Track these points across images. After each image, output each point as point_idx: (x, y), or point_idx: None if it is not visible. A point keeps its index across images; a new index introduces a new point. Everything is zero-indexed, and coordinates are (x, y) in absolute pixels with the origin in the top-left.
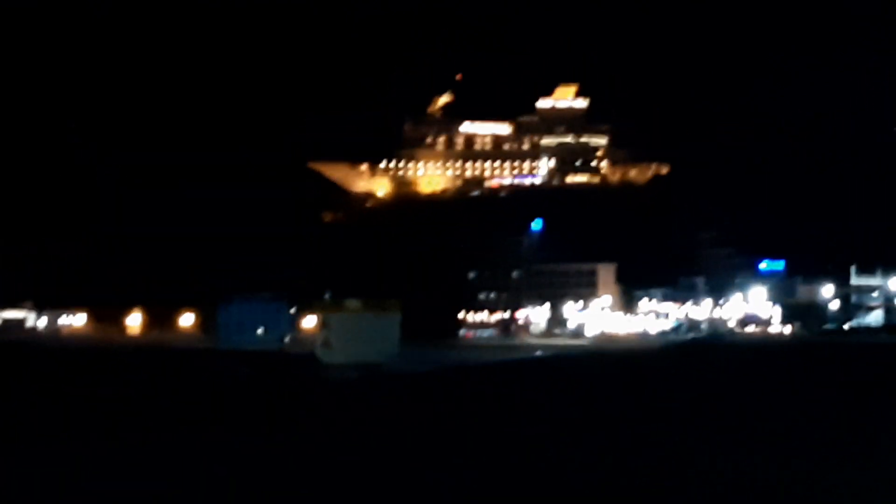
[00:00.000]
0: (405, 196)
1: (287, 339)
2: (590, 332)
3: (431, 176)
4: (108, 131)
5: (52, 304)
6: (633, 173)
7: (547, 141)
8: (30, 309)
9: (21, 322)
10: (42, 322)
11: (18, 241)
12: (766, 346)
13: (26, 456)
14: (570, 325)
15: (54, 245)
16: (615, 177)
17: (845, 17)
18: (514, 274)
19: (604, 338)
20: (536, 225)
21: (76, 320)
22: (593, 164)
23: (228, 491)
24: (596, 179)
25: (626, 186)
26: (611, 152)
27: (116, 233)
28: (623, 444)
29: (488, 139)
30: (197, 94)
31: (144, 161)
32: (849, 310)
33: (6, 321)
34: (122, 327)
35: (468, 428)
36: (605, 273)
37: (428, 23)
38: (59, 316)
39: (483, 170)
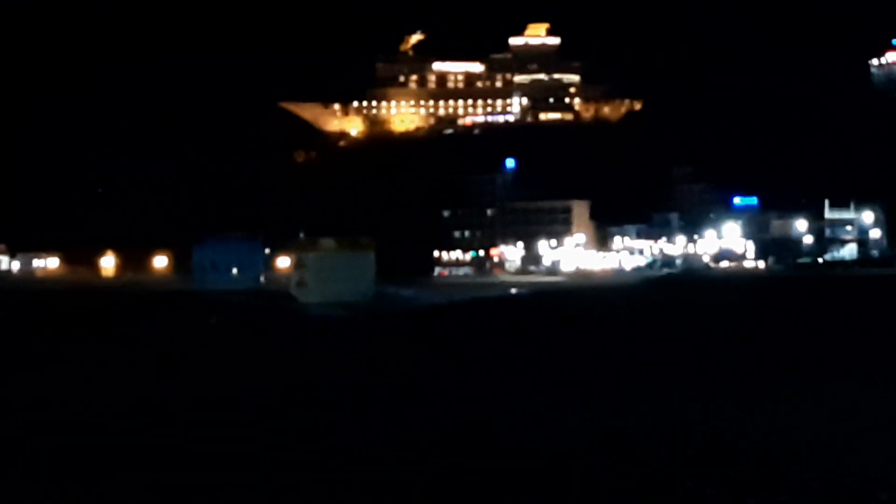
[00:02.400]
0: (378, 135)
1: (262, 279)
2: (565, 268)
3: (404, 115)
4: (83, 71)
5: (25, 247)
6: (607, 110)
7: (519, 78)
8: (2, 252)
9: None
10: (15, 265)
11: None
12: (741, 281)
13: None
14: (545, 263)
15: (27, 186)
16: (588, 114)
17: None
18: (489, 212)
19: (579, 274)
20: (510, 163)
21: (50, 263)
22: (566, 101)
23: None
24: (569, 116)
25: (600, 123)
26: (583, 89)
27: (89, 174)
28: (605, 382)
29: (461, 77)
30: (169, 35)
31: (117, 101)
32: (823, 244)
33: None
34: (96, 269)
35: (449, 367)
36: (580, 210)
37: None
38: (32, 259)
39: (456, 108)
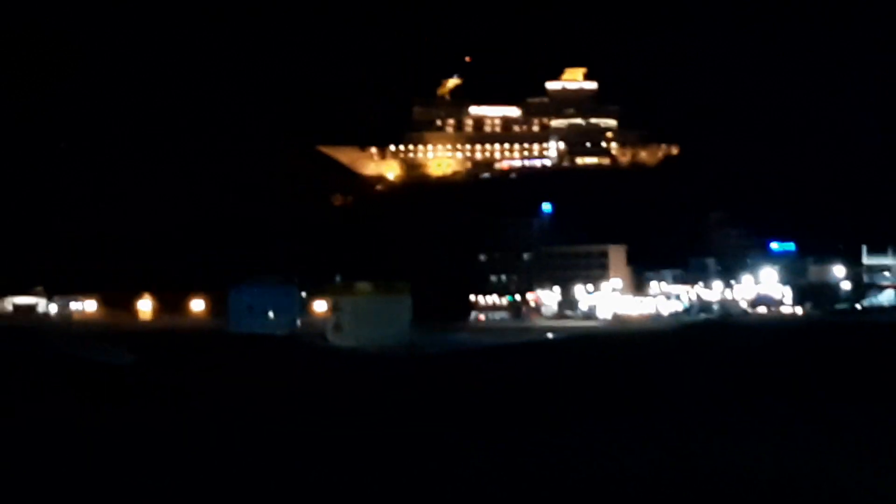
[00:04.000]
0: (415, 179)
1: (298, 323)
2: (601, 313)
3: (441, 159)
4: (119, 114)
5: (62, 289)
6: (644, 154)
7: (556, 123)
8: (40, 294)
9: (32, 307)
10: (53, 308)
11: (28, 226)
12: (779, 327)
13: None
14: (582, 307)
15: (65, 227)
16: (625, 158)
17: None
18: (525, 256)
19: (616, 319)
20: (547, 207)
21: (87, 306)
22: (603, 145)
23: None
24: (606, 161)
25: (637, 168)
26: (620, 134)
27: (127, 217)
28: (638, 425)
29: (497, 121)
30: (210, 78)
31: (157, 146)
32: (860, 289)
33: (17, 307)
34: (133, 312)
35: (484, 410)
36: (616, 254)
37: (437, 4)
38: (69, 301)
39: (493, 152)
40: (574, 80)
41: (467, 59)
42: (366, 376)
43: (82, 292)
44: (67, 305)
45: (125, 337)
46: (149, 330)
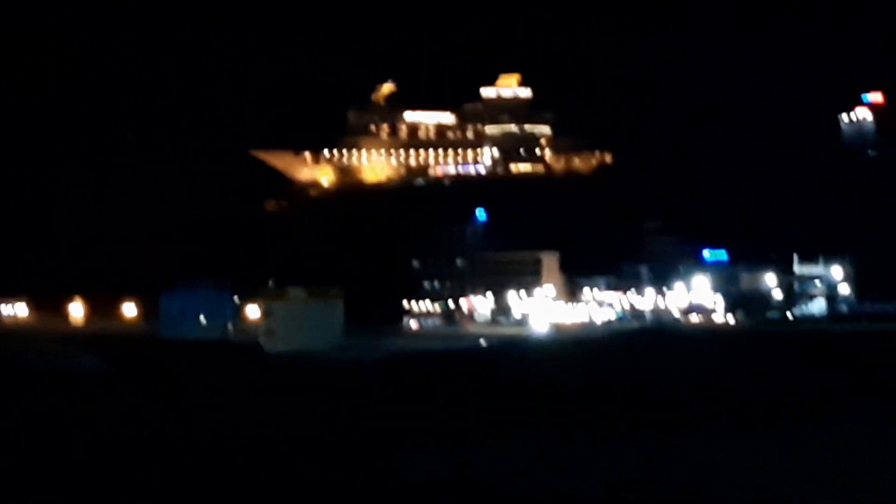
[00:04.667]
0: (349, 185)
1: (230, 328)
2: (534, 321)
3: (375, 164)
4: (49, 112)
5: None
6: (577, 162)
7: (491, 129)
8: None
9: None
10: None
11: None
12: (710, 335)
13: None
14: (515, 314)
15: None
16: (559, 165)
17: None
18: (458, 262)
19: (549, 327)
20: (480, 214)
21: (17, 309)
22: (537, 152)
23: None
24: (540, 168)
25: (571, 175)
26: (554, 141)
27: (55, 219)
28: (568, 434)
29: (432, 127)
30: (140, 79)
31: (82, 145)
32: (792, 298)
33: None
34: (64, 316)
35: (412, 416)
36: (549, 261)
37: (372, 8)
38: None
39: (427, 158)
40: (509, 86)
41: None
42: (298, 382)
43: (10, 295)
44: None
45: (82, 342)
46: (97, 335)
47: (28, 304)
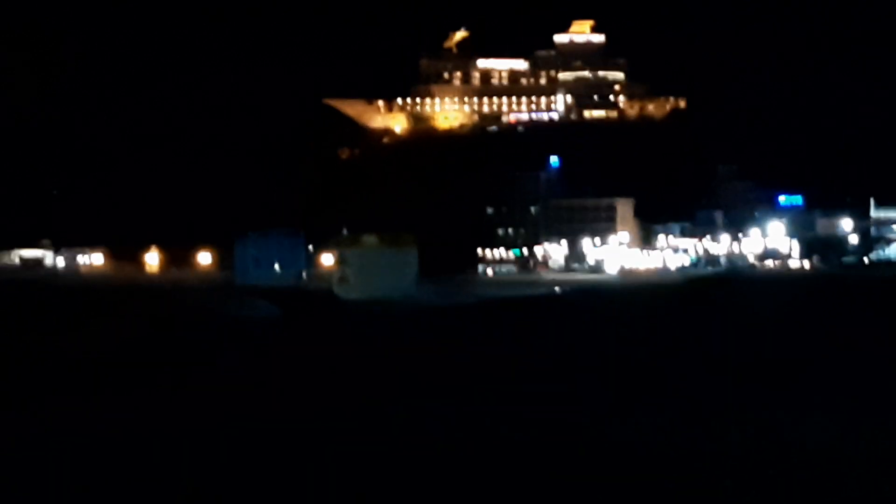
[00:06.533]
0: (422, 132)
1: (304, 276)
2: (609, 267)
3: (448, 112)
4: (126, 68)
5: (69, 242)
6: (651, 108)
7: (564, 76)
8: (47, 248)
9: (39, 261)
10: (60, 261)
11: (35, 180)
12: (786, 280)
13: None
14: (589, 261)
15: (70, 180)
16: (633, 111)
17: None
18: (533, 210)
19: (623, 272)
20: (554, 160)
21: (94, 259)
22: (610, 98)
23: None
24: (613, 114)
25: (644, 121)
26: (628, 87)
27: (134, 169)
28: (647, 377)
29: (505, 74)
30: (212, 31)
31: (160, 96)
32: (868, 243)
33: (24, 260)
34: (140, 265)
35: (487, 360)
36: (624, 208)
37: None
38: (76, 255)
39: (500, 105)
40: (582, 32)
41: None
42: (374, 328)
43: (88, 245)
44: (74, 258)
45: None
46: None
47: (105, 255)
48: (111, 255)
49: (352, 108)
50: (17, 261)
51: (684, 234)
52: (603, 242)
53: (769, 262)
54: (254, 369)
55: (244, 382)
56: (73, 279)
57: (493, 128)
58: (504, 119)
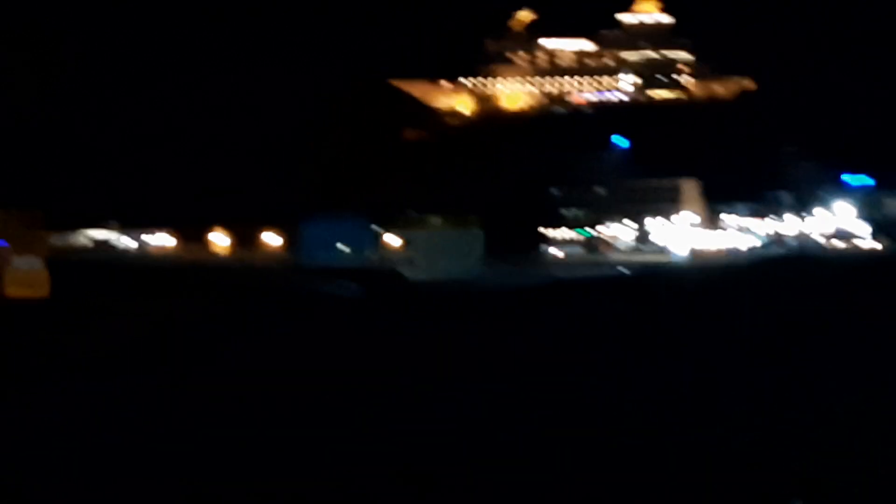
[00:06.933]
0: (487, 113)
1: (371, 257)
2: (677, 248)
3: (513, 92)
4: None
5: (136, 223)
6: (718, 88)
7: (630, 56)
8: (115, 228)
9: (109, 242)
10: (131, 242)
11: (96, 156)
12: (860, 261)
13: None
14: (656, 242)
15: (135, 160)
16: (699, 91)
17: None
18: (598, 190)
19: (692, 254)
20: (620, 141)
21: (163, 240)
22: (677, 78)
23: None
24: (680, 94)
25: (711, 101)
26: (695, 67)
27: (198, 150)
28: (720, 358)
29: (570, 55)
30: (275, 13)
31: (229, 80)
32: None
33: (96, 242)
34: (208, 246)
35: (554, 342)
36: (690, 188)
37: None
38: (143, 235)
39: (565, 86)
40: (647, 12)
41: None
42: (445, 309)
43: (154, 225)
44: (142, 239)
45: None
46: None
47: (172, 235)
48: (179, 235)
49: (417, 89)
50: (86, 242)
51: (751, 214)
52: (670, 223)
53: (839, 243)
54: (371, 344)
55: (369, 356)
56: (152, 260)
57: (559, 108)
58: (569, 99)
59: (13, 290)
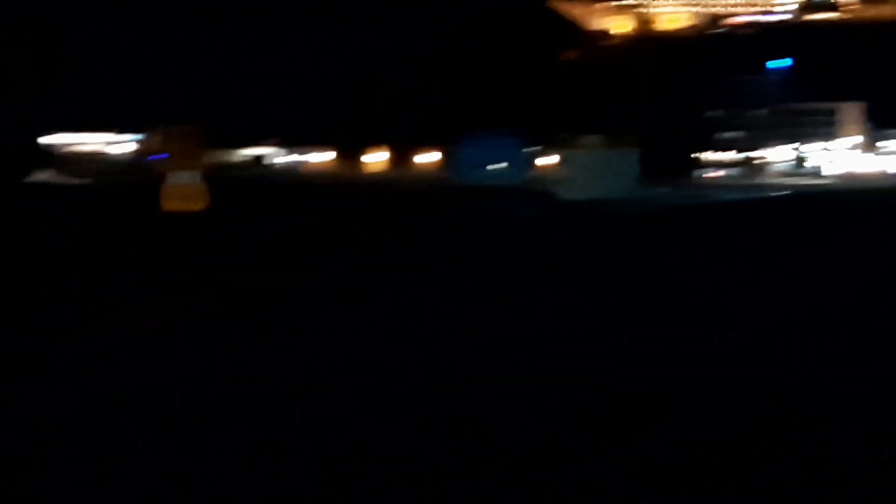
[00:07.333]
0: (646, 34)
1: (525, 176)
2: (835, 171)
3: (672, 13)
4: None
5: (299, 141)
6: (884, 9)
7: None
8: (277, 146)
9: (259, 158)
10: (283, 158)
11: (261, 76)
12: None
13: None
14: (814, 165)
15: (300, 82)
16: (864, 13)
17: None
18: (756, 113)
19: (849, 177)
20: (781, 63)
21: (322, 157)
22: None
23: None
24: (844, 15)
25: (875, 23)
26: None
27: (362, 72)
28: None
29: None
30: None
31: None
32: None
33: (254, 157)
34: (361, 164)
35: (711, 262)
36: (851, 112)
37: None
38: (304, 153)
39: (726, 6)
40: None
41: None
42: (599, 230)
43: (313, 144)
44: (300, 156)
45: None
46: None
47: (333, 153)
48: (339, 154)
49: (574, 9)
50: (245, 158)
51: None
52: (828, 147)
53: None
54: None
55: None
56: (307, 176)
57: (719, 29)
58: (729, 20)
59: (171, 204)
